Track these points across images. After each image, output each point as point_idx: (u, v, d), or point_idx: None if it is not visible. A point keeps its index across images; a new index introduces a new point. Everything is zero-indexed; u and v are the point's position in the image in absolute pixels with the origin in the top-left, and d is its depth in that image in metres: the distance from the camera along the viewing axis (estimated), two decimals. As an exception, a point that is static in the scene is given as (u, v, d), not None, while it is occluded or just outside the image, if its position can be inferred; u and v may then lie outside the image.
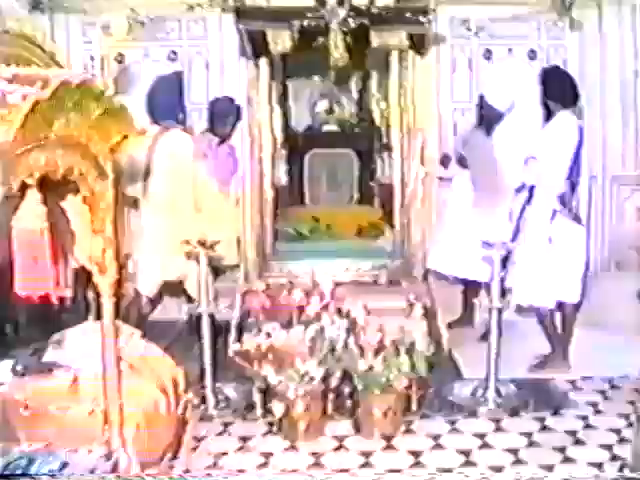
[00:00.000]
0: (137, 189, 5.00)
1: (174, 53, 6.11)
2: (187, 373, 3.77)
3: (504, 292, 4.56)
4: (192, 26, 6.12)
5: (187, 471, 3.36)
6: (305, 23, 5.12)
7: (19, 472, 2.59)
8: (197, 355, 4.47)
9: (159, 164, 4.99)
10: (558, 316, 4.99)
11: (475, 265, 5.01)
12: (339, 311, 4.25)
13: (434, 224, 5.79)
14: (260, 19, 5.19)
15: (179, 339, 5.42)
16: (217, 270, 5.17)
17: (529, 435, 4.01)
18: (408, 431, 4.07)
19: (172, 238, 4.70)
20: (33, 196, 2.25)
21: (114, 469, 2.71)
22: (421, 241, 5.57)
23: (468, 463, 3.71)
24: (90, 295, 4.84)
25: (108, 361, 2.75)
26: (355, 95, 7.82)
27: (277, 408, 3.91)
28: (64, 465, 2.65)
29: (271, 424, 4.09)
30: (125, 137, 2.57)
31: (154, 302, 5.29)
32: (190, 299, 5.14)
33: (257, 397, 4.21)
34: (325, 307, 4.23)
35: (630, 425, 3.89)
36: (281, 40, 5.14)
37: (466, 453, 3.81)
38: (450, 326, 5.39)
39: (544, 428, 4.12)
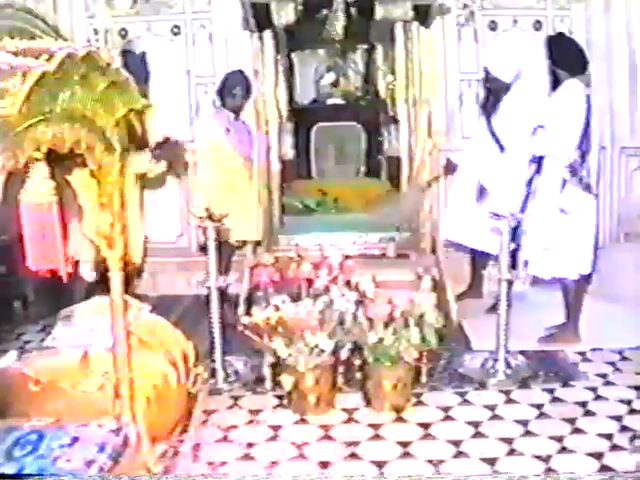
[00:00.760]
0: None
1: (177, 27, 6.06)
2: (196, 347, 3.79)
3: (514, 264, 4.53)
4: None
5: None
6: (309, -6, 5.06)
7: (29, 448, 2.59)
8: (206, 329, 4.47)
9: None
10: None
11: (486, 236, 4.93)
12: (348, 284, 4.23)
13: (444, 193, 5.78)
14: (263, -10, 5.12)
15: (188, 313, 5.44)
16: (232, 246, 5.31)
17: (539, 406, 4.01)
18: (418, 403, 4.08)
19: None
20: (41, 170, 2.24)
21: (124, 443, 2.72)
22: (429, 213, 5.53)
23: (478, 434, 3.72)
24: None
25: (118, 336, 2.75)
26: (361, 68, 7.75)
27: (287, 381, 3.92)
28: (74, 440, 2.65)
29: (280, 397, 4.10)
30: (130, 110, 2.55)
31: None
32: None
33: (266, 370, 4.23)
34: (334, 280, 4.22)
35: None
36: (285, 12, 5.08)
37: (476, 424, 3.81)
38: (459, 298, 5.38)
39: (554, 399, 4.11)
